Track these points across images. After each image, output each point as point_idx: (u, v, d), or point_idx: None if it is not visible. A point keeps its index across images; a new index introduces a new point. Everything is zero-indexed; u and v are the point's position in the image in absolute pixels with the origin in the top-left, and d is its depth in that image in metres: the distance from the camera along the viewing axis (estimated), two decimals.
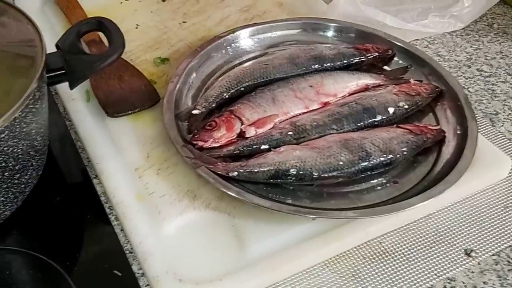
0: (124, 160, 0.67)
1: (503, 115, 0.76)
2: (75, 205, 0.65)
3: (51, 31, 0.83)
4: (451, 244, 0.61)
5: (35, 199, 0.62)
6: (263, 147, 0.66)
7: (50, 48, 0.62)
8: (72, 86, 0.63)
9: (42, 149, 0.62)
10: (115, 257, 0.59)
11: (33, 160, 0.60)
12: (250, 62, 0.78)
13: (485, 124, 0.75)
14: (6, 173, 0.56)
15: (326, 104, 0.72)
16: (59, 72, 0.62)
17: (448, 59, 0.87)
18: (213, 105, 0.72)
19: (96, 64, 0.61)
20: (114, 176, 0.65)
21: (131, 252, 0.59)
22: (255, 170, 0.62)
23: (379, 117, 0.69)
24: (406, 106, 0.71)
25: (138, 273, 0.57)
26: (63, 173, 0.71)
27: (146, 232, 0.59)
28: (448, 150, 0.67)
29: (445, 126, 0.71)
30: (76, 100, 0.74)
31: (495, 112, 0.77)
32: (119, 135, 0.70)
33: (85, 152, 0.69)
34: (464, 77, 0.83)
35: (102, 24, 0.65)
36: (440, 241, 0.61)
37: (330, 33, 0.84)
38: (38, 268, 0.57)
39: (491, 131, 0.74)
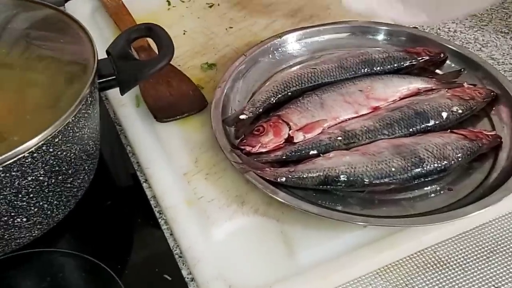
0: (173, 164, 0.67)
1: None
2: (125, 209, 0.66)
3: (101, 37, 0.85)
4: (510, 254, 0.58)
5: (87, 203, 0.63)
6: (311, 152, 0.65)
7: (101, 54, 0.63)
8: (122, 92, 0.64)
9: (94, 153, 0.63)
10: (165, 261, 0.59)
11: (85, 164, 0.61)
12: (297, 67, 0.78)
13: None
14: (60, 177, 0.57)
15: (376, 108, 0.70)
16: (110, 78, 0.63)
17: (503, 62, 0.83)
18: (260, 110, 0.72)
19: (146, 70, 0.62)
20: (163, 181, 0.65)
21: (180, 257, 0.59)
22: (304, 176, 0.61)
23: (432, 122, 0.67)
24: (460, 111, 0.68)
25: (187, 278, 0.57)
26: (114, 177, 0.72)
27: (195, 237, 0.59)
28: (504, 156, 0.65)
29: (501, 131, 0.68)
30: (126, 106, 0.75)
31: None
32: (168, 140, 0.70)
33: (135, 157, 0.70)
34: None
35: (151, 30, 0.65)
36: (498, 251, 0.59)
37: (380, 37, 0.82)
38: (90, 271, 0.58)
39: None
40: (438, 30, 0.90)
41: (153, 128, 0.72)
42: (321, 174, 0.61)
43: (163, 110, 0.73)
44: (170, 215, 0.62)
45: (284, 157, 0.65)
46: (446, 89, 0.72)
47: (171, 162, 0.67)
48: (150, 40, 0.78)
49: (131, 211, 0.65)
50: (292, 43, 0.82)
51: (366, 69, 0.75)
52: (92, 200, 0.64)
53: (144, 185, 0.67)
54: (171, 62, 0.66)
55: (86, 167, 0.62)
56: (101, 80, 0.62)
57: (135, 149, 0.70)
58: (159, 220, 0.63)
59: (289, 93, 0.73)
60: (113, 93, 0.71)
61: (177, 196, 0.63)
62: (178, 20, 0.91)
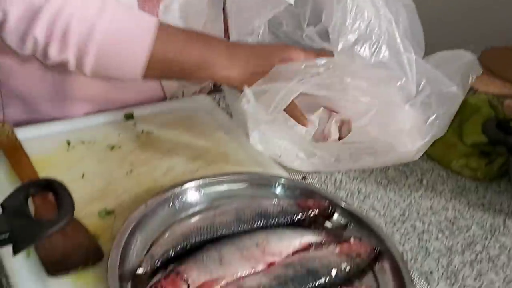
0: None
1: (437, 274, 0.80)
2: None
3: None
4: None
5: None
6: None
7: None
8: (15, 252, 0.61)
9: None
10: None
11: None
12: (196, 218, 0.79)
13: (421, 283, 0.78)
14: None
15: (271, 264, 0.73)
16: (2, 236, 0.60)
17: (384, 214, 0.92)
18: (159, 264, 0.71)
19: (43, 231, 0.60)
20: None
21: None
22: None
23: (322, 279, 0.71)
24: (348, 269, 0.73)
25: None
26: None
27: None
28: None
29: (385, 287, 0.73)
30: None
31: (429, 270, 0.81)
32: None
33: None
34: (399, 233, 0.88)
35: (51, 186, 0.65)
36: None
37: (275, 189, 0.87)
38: None
39: None
40: (326, 180, 0.98)
41: (43, 282, 0.69)
42: None
43: (56, 263, 0.71)
44: None
45: None
46: (336, 244, 0.77)
47: None
48: None
49: None
50: (192, 192, 0.84)
51: (261, 222, 0.79)
52: None
53: None
54: None
55: None
56: None
57: None
58: None
59: (188, 246, 0.74)
60: None
61: None
62: (78, 161, 0.90)
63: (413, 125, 0.90)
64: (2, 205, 0.63)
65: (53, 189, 0.65)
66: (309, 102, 0.89)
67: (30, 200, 0.77)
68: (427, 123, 0.94)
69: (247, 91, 0.83)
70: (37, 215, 0.74)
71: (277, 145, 0.93)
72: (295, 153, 0.90)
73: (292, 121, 0.90)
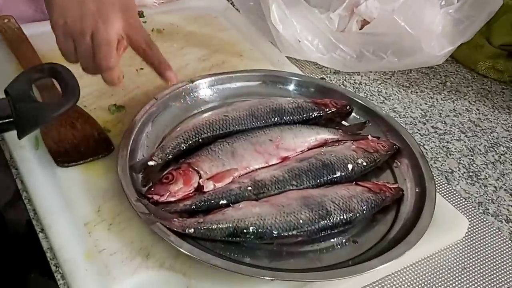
0: (73, 213, 0.63)
1: (458, 173, 0.78)
2: (18, 261, 0.61)
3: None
4: None
5: None
6: (221, 202, 0.64)
7: None
8: (20, 136, 0.59)
9: None
10: None
11: None
12: (209, 113, 0.77)
13: (441, 182, 0.76)
14: None
15: (285, 159, 0.71)
16: (6, 120, 0.58)
17: (404, 115, 0.88)
18: (170, 156, 0.70)
19: (48, 113, 0.58)
20: (61, 231, 0.61)
21: None
22: (213, 227, 0.60)
23: (338, 174, 0.69)
24: (365, 163, 0.70)
25: None
26: (6, 225, 0.66)
27: None
28: (406, 209, 0.67)
29: (403, 184, 0.71)
30: (24, 147, 0.70)
31: (450, 170, 0.78)
32: (68, 187, 0.66)
33: (31, 203, 0.65)
34: (419, 134, 0.84)
35: (55, 70, 0.62)
36: None
37: (290, 87, 0.84)
38: None
39: (447, 189, 0.75)
40: (345, 82, 0.94)
41: (53, 173, 0.68)
42: (231, 225, 0.60)
43: (64, 154, 0.69)
44: (67, 269, 0.57)
45: (193, 207, 0.64)
46: (352, 141, 0.74)
47: (71, 211, 0.63)
48: None
49: (24, 264, 0.60)
50: (204, 89, 0.82)
51: (276, 118, 0.76)
52: None
53: (40, 235, 0.62)
54: None
55: None
56: None
57: (32, 195, 0.65)
58: (56, 275, 0.58)
59: (200, 140, 0.72)
60: (10, 133, 0.66)
61: (76, 248, 0.59)
62: None
63: (444, 29, 0.85)
64: (6, 91, 0.61)
65: (58, 74, 0.62)
66: None
67: (38, 94, 0.75)
68: (460, 28, 0.88)
69: None
70: None
71: (298, 30, 0.88)
72: (315, 43, 0.85)
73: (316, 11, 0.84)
